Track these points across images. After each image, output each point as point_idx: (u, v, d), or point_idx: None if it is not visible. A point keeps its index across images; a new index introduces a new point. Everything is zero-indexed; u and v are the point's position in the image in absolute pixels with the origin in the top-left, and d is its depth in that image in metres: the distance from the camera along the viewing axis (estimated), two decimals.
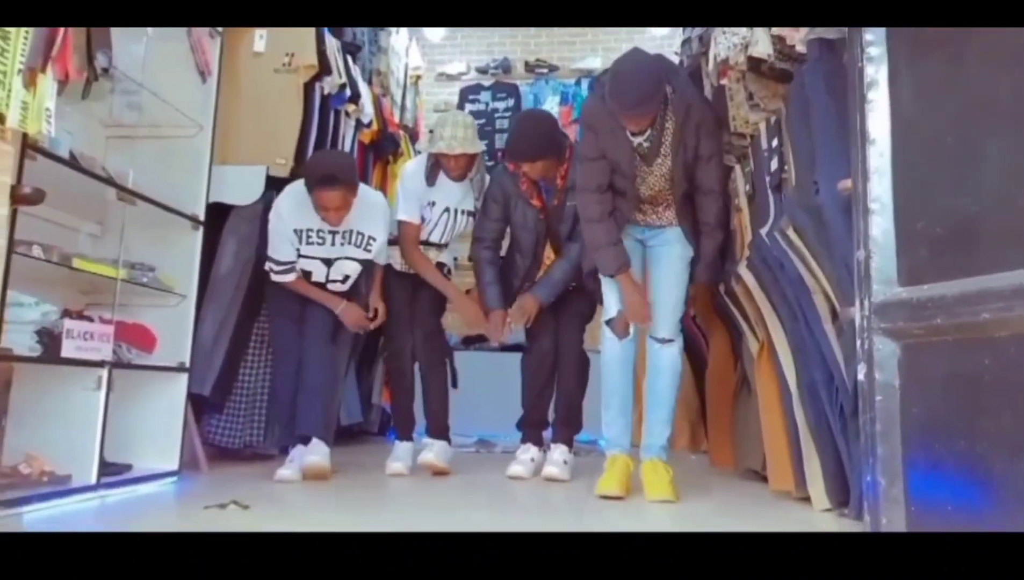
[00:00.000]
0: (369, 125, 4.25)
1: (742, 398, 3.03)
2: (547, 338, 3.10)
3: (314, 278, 3.05)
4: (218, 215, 3.23)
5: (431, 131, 3.24)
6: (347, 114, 3.99)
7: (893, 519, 1.44)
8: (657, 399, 2.63)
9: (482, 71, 6.13)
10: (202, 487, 2.68)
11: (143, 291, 2.76)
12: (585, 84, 5.90)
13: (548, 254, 3.13)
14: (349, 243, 3.02)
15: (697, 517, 2.24)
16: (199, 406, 3.19)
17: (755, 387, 2.70)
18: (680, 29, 3.91)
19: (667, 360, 2.62)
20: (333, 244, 3.02)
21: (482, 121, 5.81)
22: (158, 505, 2.41)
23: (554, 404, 3.15)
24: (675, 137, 2.44)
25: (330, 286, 3.07)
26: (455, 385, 3.24)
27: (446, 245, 3.26)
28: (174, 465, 2.76)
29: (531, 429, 3.14)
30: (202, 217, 2.94)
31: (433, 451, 3.08)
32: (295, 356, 3.01)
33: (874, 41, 1.58)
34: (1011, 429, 1.22)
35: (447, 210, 3.16)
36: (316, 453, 2.86)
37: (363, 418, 4.30)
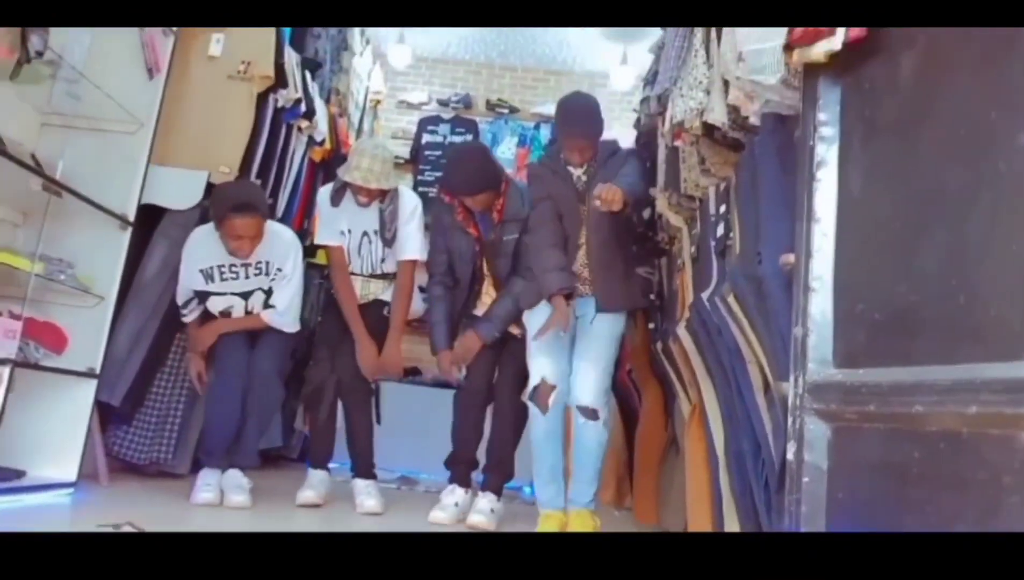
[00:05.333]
0: (322, 143, 4.18)
1: (670, 458, 3.02)
2: (482, 378, 3.05)
3: (235, 315, 2.98)
4: (151, 217, 3.10)
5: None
6: (299, 129, 3.90)
7: None
8: (582, 464, 2.72)
9: (443, 103, 6.11)
10: (99, 502, 2.54)
11: (58, 288, 2.62)
12: (544, 129, 5.94)
13: (488, 290, 3.11)
14: (262, 273, 2.96)
15: None
16: (107, 415, 3.01)
17: (683, 449, 2.68)
18: (640, 86, 3.96)
19: (592, 439, 2.67)
20: (247, 277, 2.95)
21: (438, 153, 5.78)
22: (47, 518, 2.25)
23: (486, 448, 3.07)
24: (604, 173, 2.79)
25: None
26: (378, 421, 3.12)
27: (383, 277, 3.15)
28: (72, 476, 2.59)
29: (459, 468, 3.04)
30: (132, 218, 2.81)
31: (373, 497, 3.01)
32: (242, 376, 2.89)
33: (827, 121, 1.59)
34: (934, 527, 1.19)
35: (365, 234, 3.06)
36: (239, 491, 2.79)
37: (283, 443, 4.14)
